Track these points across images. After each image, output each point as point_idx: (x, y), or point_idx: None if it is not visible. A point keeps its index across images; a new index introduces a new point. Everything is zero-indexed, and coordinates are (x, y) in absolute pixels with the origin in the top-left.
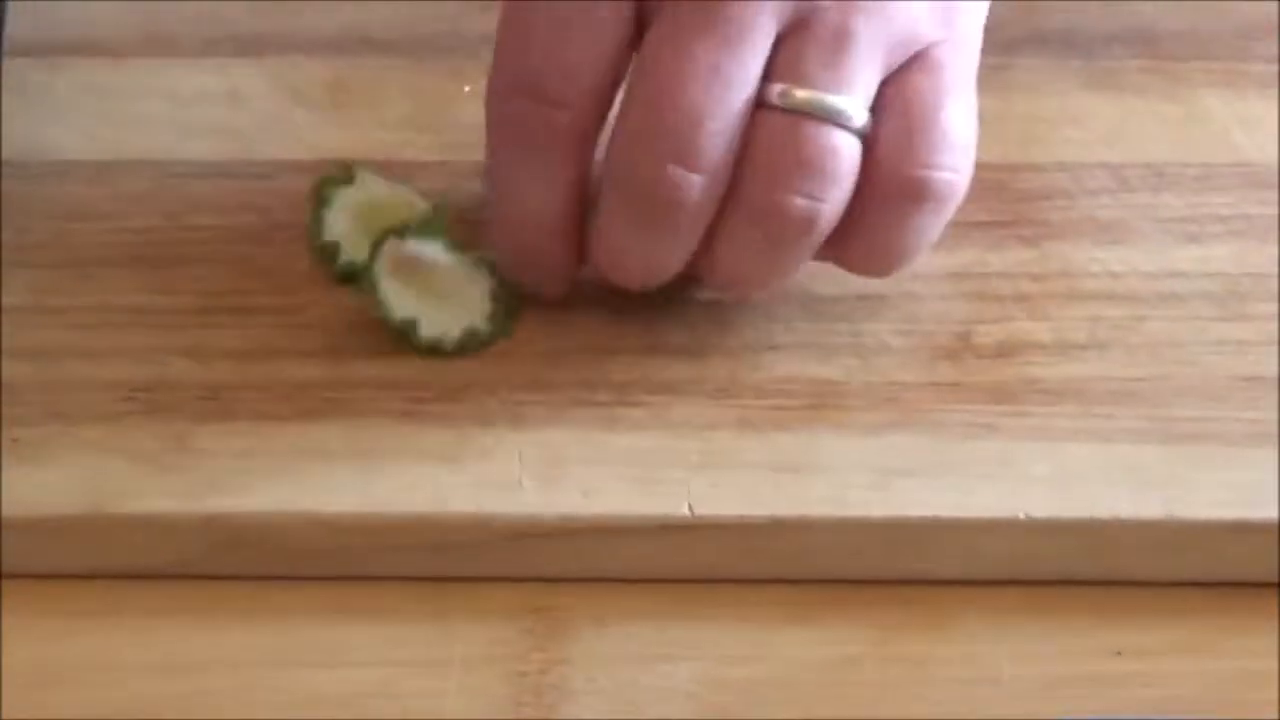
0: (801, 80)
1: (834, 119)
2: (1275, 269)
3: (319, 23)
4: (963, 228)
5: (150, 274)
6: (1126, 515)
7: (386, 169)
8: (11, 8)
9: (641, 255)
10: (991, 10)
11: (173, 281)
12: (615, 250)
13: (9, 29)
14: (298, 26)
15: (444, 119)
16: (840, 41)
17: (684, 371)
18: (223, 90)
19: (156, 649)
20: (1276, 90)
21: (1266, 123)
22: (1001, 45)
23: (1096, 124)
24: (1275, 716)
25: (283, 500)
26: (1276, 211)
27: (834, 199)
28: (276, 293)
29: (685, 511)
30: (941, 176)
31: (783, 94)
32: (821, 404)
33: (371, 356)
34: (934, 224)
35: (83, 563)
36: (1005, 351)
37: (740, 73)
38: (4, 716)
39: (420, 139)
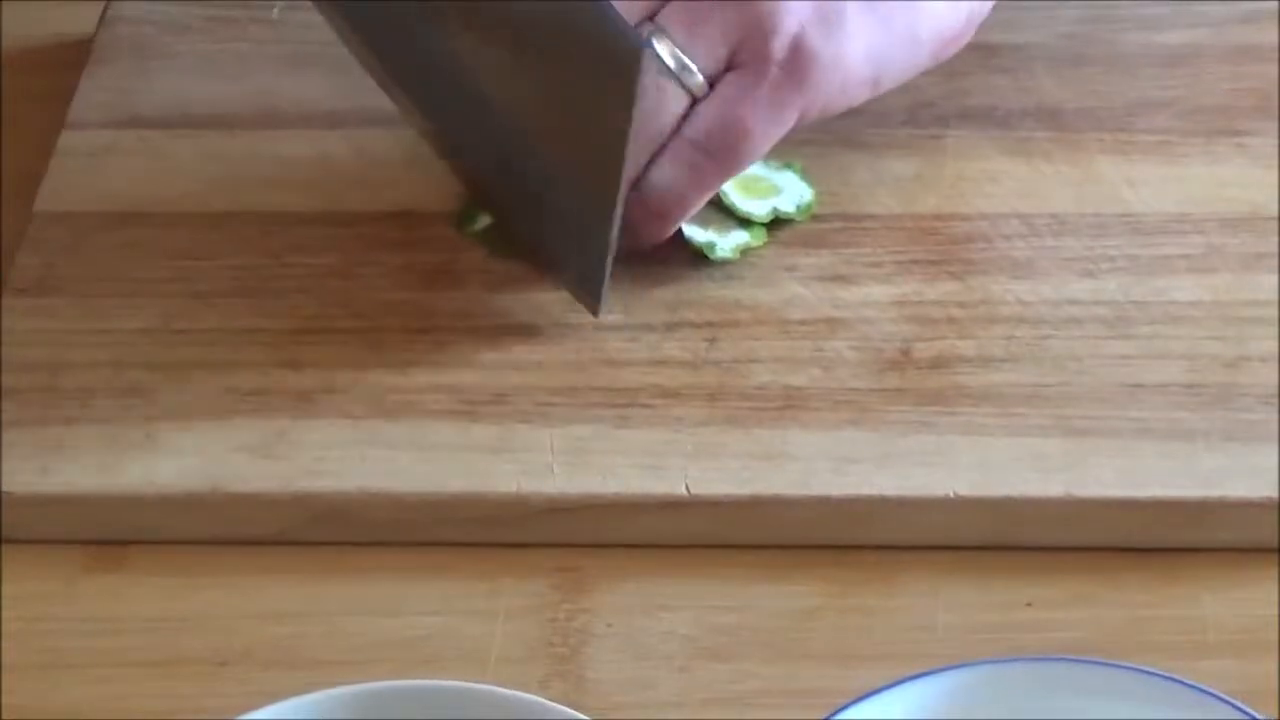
0: (663, 31)
1: (675, 72)
2: (1154, 298)
3: (391, 103)
4: (904, 264)
5: (257, 302)
6: (1035, 494)
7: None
8: (147, 89)
9: None
10: (926, 91)
11: (274, 308)
12: None
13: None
14: (375, 105)
15: None
16: (699, 14)
17: (682, 379)
18: (315, 155)
19: (261, 601)
20: (1156, 155)
21: (1148, 181)
22: (936, 119)
23: (1011, 182)
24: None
25: (362, 482)
26: (1155, 253)
27: (645, 122)
28: (356, 317)
29: (683, 491)
30: (721, 151)
31: (649, 35)
32: (791, 406)
33: (432, 368)
34: (703, 183)
35: (203, 532)
36: (939, 364)
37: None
38: (133, 657)
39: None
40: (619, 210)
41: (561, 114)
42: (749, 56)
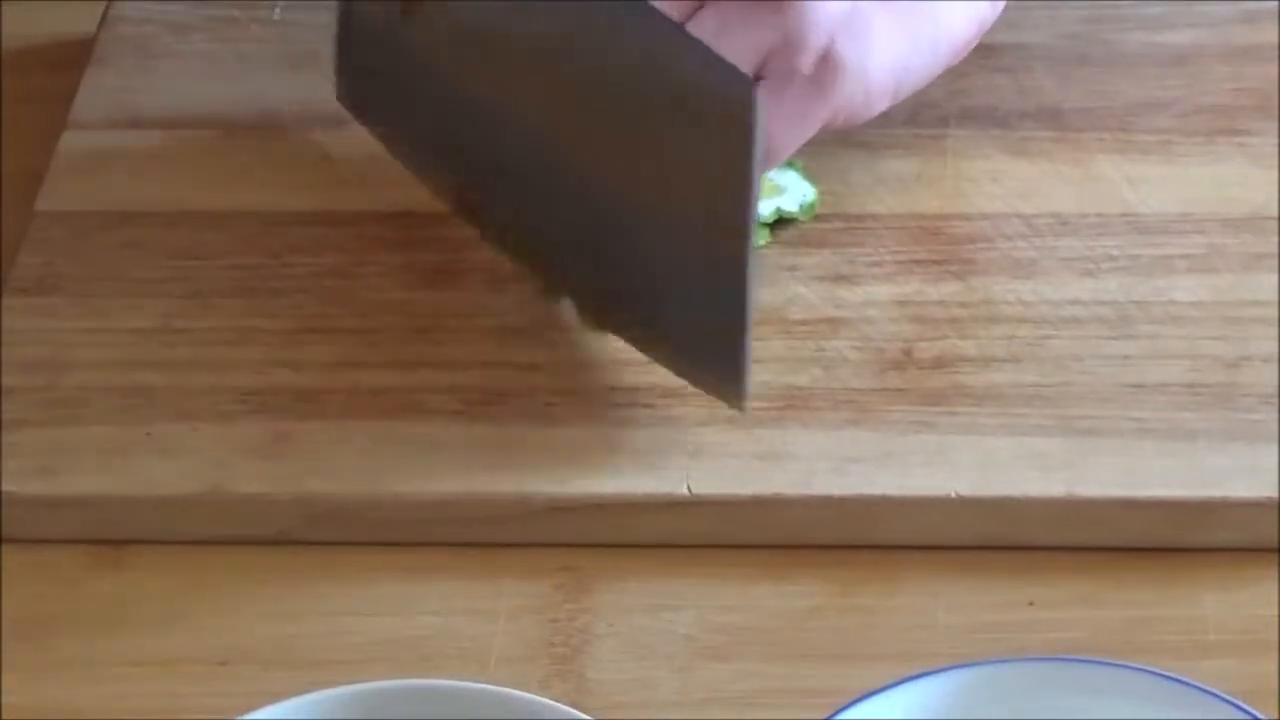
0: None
1: None
2: (1155, 298)
3: None
4: (906, 264)
5: (257, 302)
6: (1036, 494)
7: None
8: (148, 89)
9: None
10: (928, 90)
11: (275, 308)
12: None
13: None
14: None
15: None
16: (730, 25)
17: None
18: (315, 155)
19: (261, 601)
20: (1157, 155)
21: (1149, 181)
22: (937, 119)
23: (1012, 182)
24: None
25: (364, 482)
26: (1156, 253)
27: None
28: (357, 316)
29: (685, 491)
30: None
31: None
32: (792, 405)
33: (433, 367)
34: None
35: (203, 532)
36: (940, 364)
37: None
38: (133, 657)
39: None
40: (752, 278)
41: (666, 184)
42: (778, 68)
